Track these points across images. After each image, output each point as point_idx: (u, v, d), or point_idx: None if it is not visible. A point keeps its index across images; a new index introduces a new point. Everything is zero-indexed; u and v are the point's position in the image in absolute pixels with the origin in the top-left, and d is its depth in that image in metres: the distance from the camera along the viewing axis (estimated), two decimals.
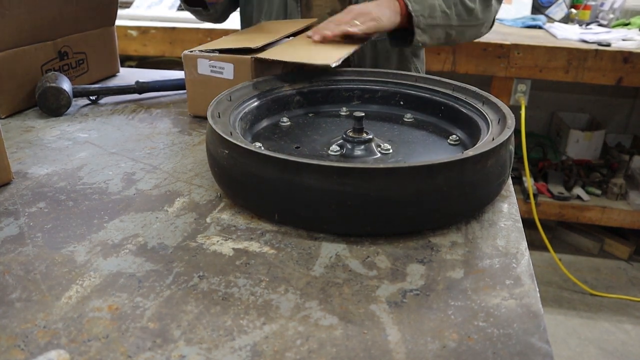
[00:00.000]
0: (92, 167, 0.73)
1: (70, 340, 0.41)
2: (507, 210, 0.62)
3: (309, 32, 0.98)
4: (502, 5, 1.20)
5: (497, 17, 1.16)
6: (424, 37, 1.02)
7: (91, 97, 1.03)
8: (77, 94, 1.00)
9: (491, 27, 1.17)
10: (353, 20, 0.95)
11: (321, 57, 0.83)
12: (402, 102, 0.83)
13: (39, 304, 0.45)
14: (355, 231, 0.56)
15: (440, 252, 0.53)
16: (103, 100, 1.04)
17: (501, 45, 1.91)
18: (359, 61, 1.16)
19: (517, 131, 1.51)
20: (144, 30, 2.15)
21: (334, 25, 0.95)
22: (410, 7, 0.98)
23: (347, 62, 0.97)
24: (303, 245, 0.54)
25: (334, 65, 0.79)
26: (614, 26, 2.24)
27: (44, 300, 0.46)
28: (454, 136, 0.73)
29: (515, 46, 1.91)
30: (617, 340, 1.88)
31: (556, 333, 1.91)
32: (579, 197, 2.21)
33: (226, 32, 1.39)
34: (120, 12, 1.29)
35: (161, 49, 2.18)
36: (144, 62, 2.43)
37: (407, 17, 0.99)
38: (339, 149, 0.68)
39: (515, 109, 1.99)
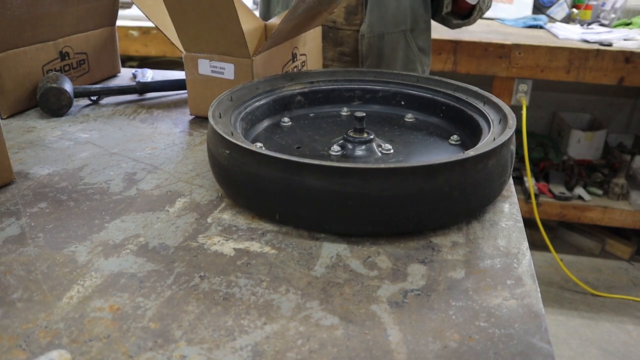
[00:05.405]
0: (93, 168, 0.73)
1: (72, 341, 0.41)
2: (508, 210, 0.62)
3: None
4: (504, 5, 1.24)
5: (498, 17, 1.21)
6: None
7: (92, 98, 1.03)
8: (78, 94, 1.00)
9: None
10: None
11: None
12: (403, 102, 0.83)
13: (40, 304, 0.45)
14: (356, 231, 0.55)
15: (441, 252, 0.53)
16: (104, 101, 1.04)
17: (502, 45, 1.91)
18: (367, 52, 1.17)
19: (518, 131, 1.50)
20: (145, 31, 2.15)
21: None
22: None
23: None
24: (304, 246, 0.54)
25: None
26: (615, 26, 2.24)
27: (45, 301, 0.46)
28: (455, 136, 0.73)
29: (517, 46, 1.91)
30: (618, 341, 1.88)
31: (557, 333, 1.91)
32: (580, 197, 2.20)
33: None
34: (121, 12, 1.29)
35: (162, 50, 2.18)
36: (145, 62, 2.43)
37: None
38: (340, 149, 0.68)
39: (517, 109, 1.98)
